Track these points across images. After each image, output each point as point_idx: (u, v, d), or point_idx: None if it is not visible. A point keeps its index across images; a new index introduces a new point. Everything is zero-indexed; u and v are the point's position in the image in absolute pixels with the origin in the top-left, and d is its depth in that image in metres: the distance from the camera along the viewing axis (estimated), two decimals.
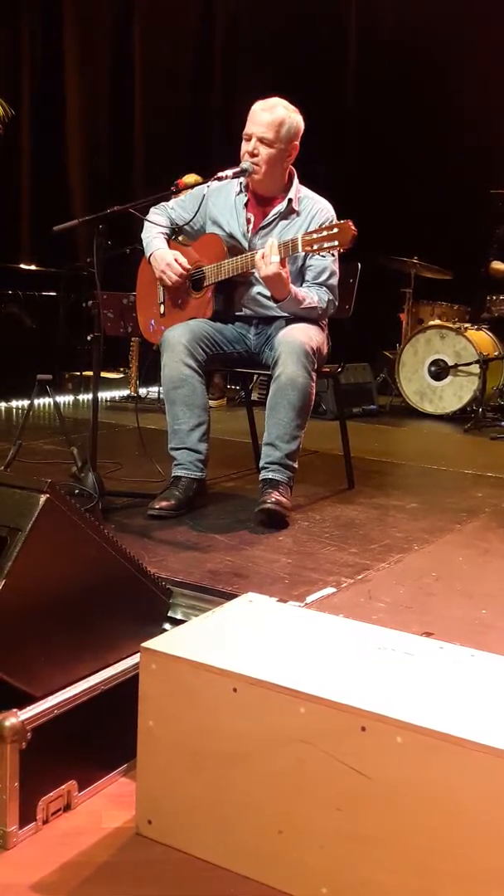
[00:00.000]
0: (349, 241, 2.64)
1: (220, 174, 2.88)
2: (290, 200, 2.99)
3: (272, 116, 2.87)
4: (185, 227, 3.14)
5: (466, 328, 5.62)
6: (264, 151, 2.88)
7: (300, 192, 3.03)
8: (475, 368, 5.44)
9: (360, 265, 3.27)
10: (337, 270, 2.98)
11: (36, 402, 4.44)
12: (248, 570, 2.35)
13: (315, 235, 2.69)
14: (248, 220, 3.02)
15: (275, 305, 2.88)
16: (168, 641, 1.58)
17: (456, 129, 6.59)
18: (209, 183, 3.03)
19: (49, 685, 1.63)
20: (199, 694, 1.48)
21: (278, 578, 2.30)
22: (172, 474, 2.91)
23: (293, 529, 2.76)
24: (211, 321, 3.00)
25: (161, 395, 4.39)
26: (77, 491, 2.78)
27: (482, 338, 5.65)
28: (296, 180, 3.03)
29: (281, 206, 2.99)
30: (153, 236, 3.09)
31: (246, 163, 2.90)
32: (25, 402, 4.52)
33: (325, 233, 2.67)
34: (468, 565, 2.53)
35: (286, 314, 2.92)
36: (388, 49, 6.98)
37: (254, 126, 2.88)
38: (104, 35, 7.14)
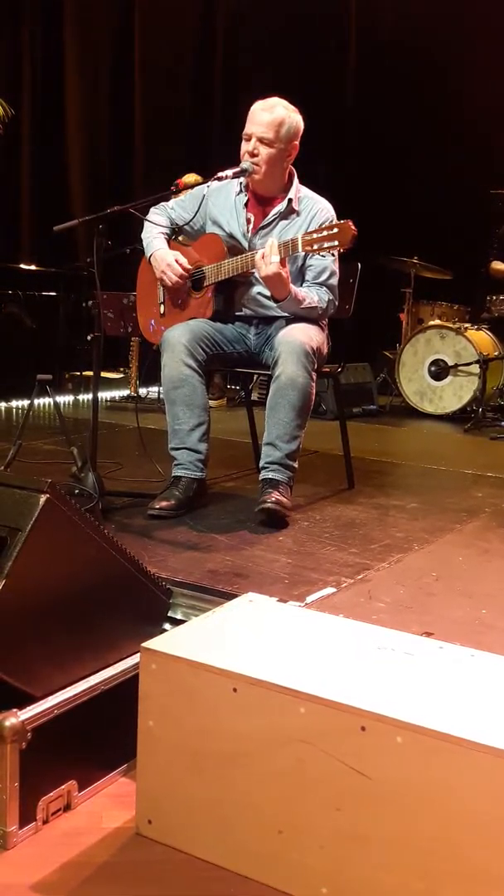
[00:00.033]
0: (349, 240, 2.64)
1: (220, 174, 2.88)
2: (290, 200, 2.99)
3: (272, 116, 2.87)
4: (185, 227, 3.14)
5: (466, 328, 5.62)
6: (264, 151, 2.88)
7: (300, 192, 3.03)
8: (475, 368, 5.44)
9: (360, 265, 3.27)
10: (337, 270, 2.98)
11: (36, 402, 4.44)
12: (248, 570, 2.35)
13: (315, 235, 2.69)
14: (248, 220, 3.02)
15: (275, 305, 2.89)
16: (168, 641, 1.58)
17: (456, 129, 6.59)
18: (209, 183, 3.03)
19: (49, 685, 1.63)
20: (199, 694, 1.48)
21: (278, 578, 2.30)
22: (172, 474, 2.91)
23: (293, 529, 2.76)
24: (211, 321, 3.00)
25: (161, 395, 4.39)
26: (77, 491, 2.78)
27: (482, 338, 5.65)
28: (296, 180, 3.03)
29: (281, 206, 2.99)
30: (153, 236, 3.09)
31: (246, 163, 2.90)
32: (25, 402, 4.52)
33: (325, 233, 2.67)
34: (468, 565, 2.53)
35: (286, 314, 2.92)
36: (388, 49, 6.98)
37: (253, 126, 2.88)
38: (104, 35, 7.14)
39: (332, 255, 2.91)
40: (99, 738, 1.70)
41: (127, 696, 1.62)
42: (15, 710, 1.54)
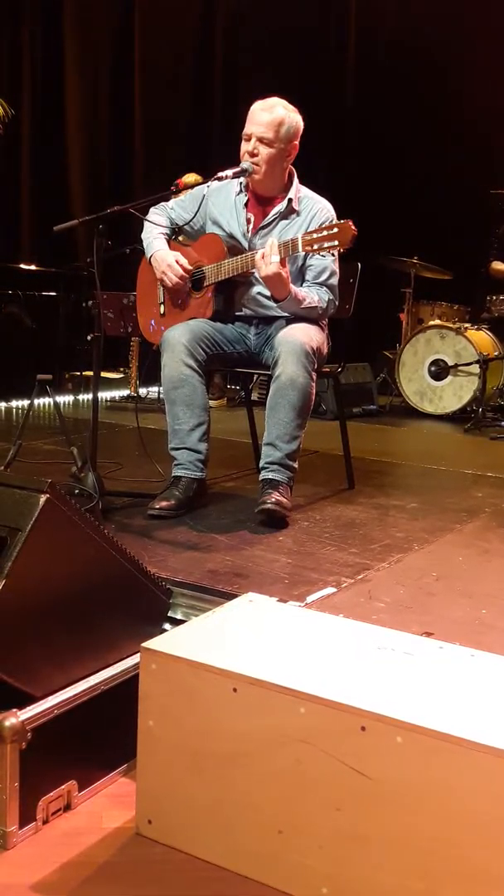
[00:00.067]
0: (349, 240, 2.64)
1: (220, 174, 2.88)
2: (290, 200, 2.99)
3: (271, 116, 2.87)
4: (185, 227, 3.14)
5: (466, 328, 5.62)
6: (264, 151, 2.88)
7: (300, 192, 3.03)
8: (475, 368, 5.44)
9: (360, 265, 3.27)
10: (337, 270, 2.98)
11: (36, 402, 4.44)
12: (248, 570, 2.35)
13: (315, 235, 2.69)
14: (248, 220, 3.02)
15: (275, 305, 2.89)
16: (168, 641, 1.58)
17: (456, 129, 6.60)
18: (209, 183, 3.03)
19: (49, 685, 1.63)
20: (199, 694, 1.48)
21: (278, 578, 2.30)
22: (172, 474, 2.91)
23: (293, 529, 2.76)
24: (211, 321, 3.00)
25: (161, 395, 4.39)
26: (77, 491, 2.78)
27: (482, 338, 5.65)
28: (296, 180, 3.03)
29: (281, 206, 2.99)
30: (154, 237, 3.09)
31: (246, 163, 2.90)
32: (25, 402, 4.52)
33: (325, 232, 2.67)
34: (468, 565, 2.53)
35: (286, 314, 2.92)
36: (388, 49, 6.99)
37: (253, 126, 2.88)
38: (104, 35, 7.15)
39: (332, 254, 2.91)
40: (99, 738, 1.70)
41: (127, 696, 1.62)
42: (15, 710, 1.54)
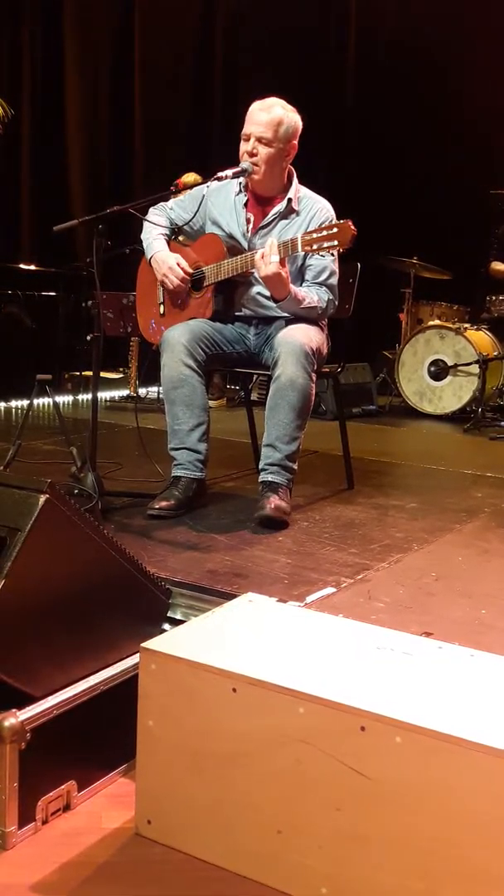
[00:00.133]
0: (349, 240, 2.64)
1: (219, 174, 2.88)
2: (289, 200, 2.99)
3: (270, 116, 2.87)
4: (185, 227, 3.14)
5: (466, 328, 5.62)
6: (263, 151, 2.88)
7: (300, 192, 3.03)
8: (475, 368, 5.44)
9: (360, 265, 3.27)
10: (337, 270, 2.98)
11: (35, 402, 4.44)
12: (247, 570, 2.35)
13: (315, 235, 2.69)
14: (248, 220, 3.02)
15: (274, 305, 2.88)
16: (168, 641, 1.58)
17: (456, 129, 6.60)
18: (209, 183, 3.03)
19: (49, 685, 1.63)
20: (198, 694, 1.48)
21: (278, 578, 2.30)
22: (172, 474, 2.91)
23: (293, 529, 2.76)
24: (211, 321, 3.00)
25: (161, 395, 4.39)
26: (77, 491, 2.78)
27: (481, 338, 5.65)
28: (295, 180, 3.03)
29: (280, 206, 2.99)
30: (153, 237, 3.09)
31: (245, 163, 2.90)
32: (25, 402, 4.52)
33: (324, 232, 2.67)
34: (468, 565, 2.53)
35: (286, 314, 2.92)
36: (388, 49, 6.99)
37: (252, 126, 2.89)
38: (104, 35, 7.14)
39: (332, 254, 2.91)
40: (98, 738, 1.70)
41: (126, 696, 1.62)
42: (14, 710, 1.54)
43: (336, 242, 2.65)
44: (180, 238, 3.24)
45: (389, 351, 6.15)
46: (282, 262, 2.74)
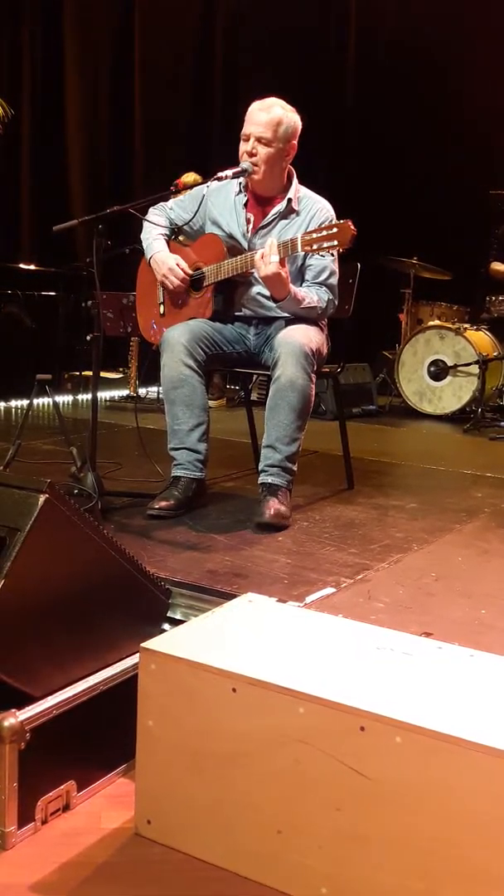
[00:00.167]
0: (349, 240, 2.64)
1: (219, 174, 2.88)
2: (289, 200, 2.99)
3: (269, 116, 2.87)
4: (185, 227, 3.14)
5: (465, 329, 5.62)
6: (263, 151, 2.88)
7: (300, 192, 3.03)
8: (474, 369, 5.44)
9: (359, 265, 3.27)
10: (337, 270, 2.98)
11: (35, 401, 4.44)
12: (247, 570, 2.35)
13: (314, 235, 2.69)
14: (248, 220, 3.02)
15: (274, 305, 2.88)
16: (167, 641, 1.58)
17: (456, 129, 6.60)
18: (209, 183, 3.03)
19: (48, 685, 1.63)
20: (198, 694, 1.48)
21: (278, 578, 2.30)
22: (172, 474, 2.91)
23: (293, 529, 2.76)
24: (210, 321, 3.00)
25: (160, 395, 4.39)
26: (76, 491, 2.78)
27: (481, 338, 5.65)
28: (295, 180, 3.03)
29: (280, 206, 2.99)
30: (153, 238, 3.08)
31: (245, 163, 2.90)
32: (25, 402, 4.51)
33: (324, 232, 2.67)
34: (467, 565, 2.53)
35: (286, 314, 2.92)
36: (388, 49, 6.98)
37: (251, 126, 2.88)
38: (104, 35, 7.15)
39: (332, 254, 2.91)
40: (98, 739, 1.70)
41: (126, 696, 1.62)
42: (14, 710, 1.54)
43: (336, 242, 2.65)
44: (180, 238, 3.24)
45: (389, 351, 6.15)
46: (282, 262, 2.74)
